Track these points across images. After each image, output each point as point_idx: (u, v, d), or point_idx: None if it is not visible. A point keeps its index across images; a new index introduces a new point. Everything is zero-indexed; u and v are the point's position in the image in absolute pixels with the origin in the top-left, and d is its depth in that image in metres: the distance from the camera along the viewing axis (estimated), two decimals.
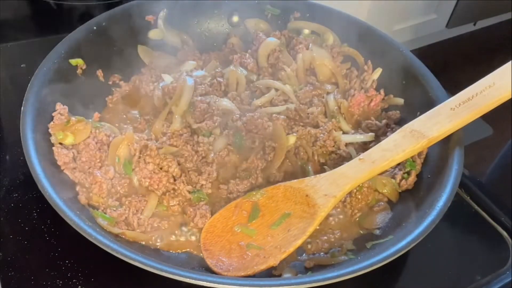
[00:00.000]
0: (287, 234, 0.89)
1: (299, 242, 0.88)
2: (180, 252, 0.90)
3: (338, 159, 1.04)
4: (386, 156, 0.94)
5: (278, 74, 1.18)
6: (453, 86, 1.06)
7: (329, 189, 0.92)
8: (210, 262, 0.87)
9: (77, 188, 0.93)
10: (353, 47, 1.25)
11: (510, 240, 1.01)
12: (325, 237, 0.94)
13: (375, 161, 0.94)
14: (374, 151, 0.96)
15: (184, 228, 0.93)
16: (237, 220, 0.92)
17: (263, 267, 0.85)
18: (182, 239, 0.92)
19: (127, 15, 1.19)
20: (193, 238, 0.92)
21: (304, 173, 1.02)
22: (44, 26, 1.37)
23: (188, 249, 0.91)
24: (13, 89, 1.18)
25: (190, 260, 0.89)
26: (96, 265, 0.87)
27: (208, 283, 0.75)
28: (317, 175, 0.96)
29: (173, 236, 0.92)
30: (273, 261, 0.86)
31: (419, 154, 1.01)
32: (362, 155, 0.96)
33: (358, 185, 0.97)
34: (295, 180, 0.96)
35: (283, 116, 1.08)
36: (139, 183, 0.96)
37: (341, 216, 0.98)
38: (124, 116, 1.11)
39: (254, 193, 0.95)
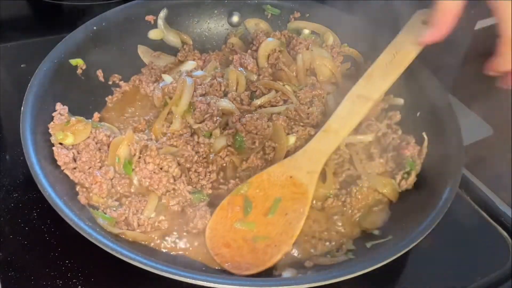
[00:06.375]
0: (286, 218, 0.90)
1: (301, 223, 0.89)
2: (180, 253, 0.90)
3: (338, 159, 1.04)
4: (346, 123, 1.00)
5: (278, 74, 1.18)
6: (453, 86, 1.06)
7: (309, 166, 0.96)
8: (226, 266, 0.86)
9: (77, 188, 0.93)
10: (353, 47, 1.25)
11: (510, 240, 1.01)
12: (325, 237, 0.94)
13: (338, 131, 0.99)
14: (333, 121, 1.00)
15: (184, 228, 0.93)
16: (234, 217, 0.92)
17: (279, 256, 0.86)
18: (182, 239, 0.92)
19: (127, 15, 1.19)
20: (193, 239, 0.92)
21: None
22: (44, 26, 1.37)
23: (187, 252, 0.90)
24: (13, 89, 1.18)
25: (190, 260, 0.89)
26: (96, 265, 0.87)
27: (208, 283, 0.75)
28: (293, 155, 0.99)
29: (173, 236, 0.92)
30: (286, 248, 0.87)
31: (419, 154, 1.02)
32: (323, 127, 1.00)
33: (358, 185, 0.98)
34: (274, 165, 0.98)
35: (283, 116, 1.08)
36: (139, 183, 0.95)
37: (341, 216, 0.98)
38: (124, 116, 1.11)
39: (241, 186, 0.95)
